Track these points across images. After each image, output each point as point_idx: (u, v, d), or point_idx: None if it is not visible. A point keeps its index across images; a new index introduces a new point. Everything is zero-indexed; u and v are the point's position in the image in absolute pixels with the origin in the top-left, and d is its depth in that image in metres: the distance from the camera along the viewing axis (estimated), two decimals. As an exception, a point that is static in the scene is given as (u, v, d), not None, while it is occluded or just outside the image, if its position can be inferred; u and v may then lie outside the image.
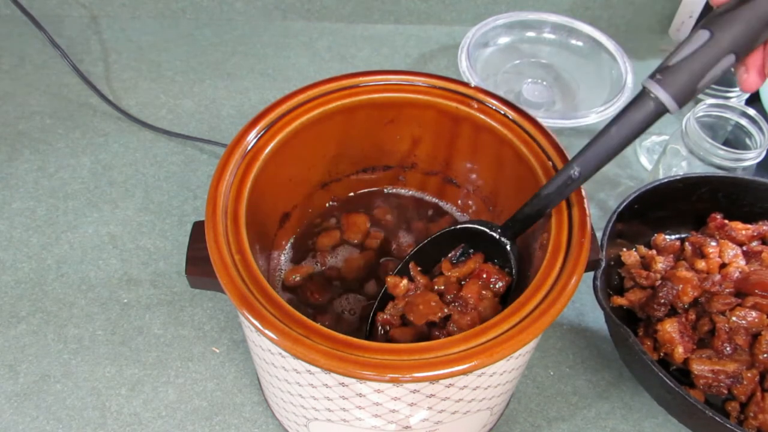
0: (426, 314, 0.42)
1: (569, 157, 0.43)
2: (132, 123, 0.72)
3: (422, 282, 0.45)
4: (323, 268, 0.51)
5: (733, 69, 0.35)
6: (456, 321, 0.42)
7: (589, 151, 0.37)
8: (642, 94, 0.35)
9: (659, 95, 0.34)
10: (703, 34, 0.33)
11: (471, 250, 0.46)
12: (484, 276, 0.43)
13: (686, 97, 0.34)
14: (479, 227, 0.45)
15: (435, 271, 0.46)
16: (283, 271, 0.51)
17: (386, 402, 0.37)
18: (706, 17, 0.33)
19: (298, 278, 0.50)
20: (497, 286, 0.43)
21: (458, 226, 0.46)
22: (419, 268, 0.45)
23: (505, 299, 0.44)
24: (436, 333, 0.43)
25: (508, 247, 0.43)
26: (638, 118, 0.35)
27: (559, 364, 0.57)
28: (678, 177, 0.56)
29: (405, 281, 0.45)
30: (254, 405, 0.53)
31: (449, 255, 0.46)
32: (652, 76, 0.35)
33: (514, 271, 0.44)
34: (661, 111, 0.35)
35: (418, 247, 0.47)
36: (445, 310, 0.42)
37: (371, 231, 0.53)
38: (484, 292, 0.43)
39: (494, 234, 0.44)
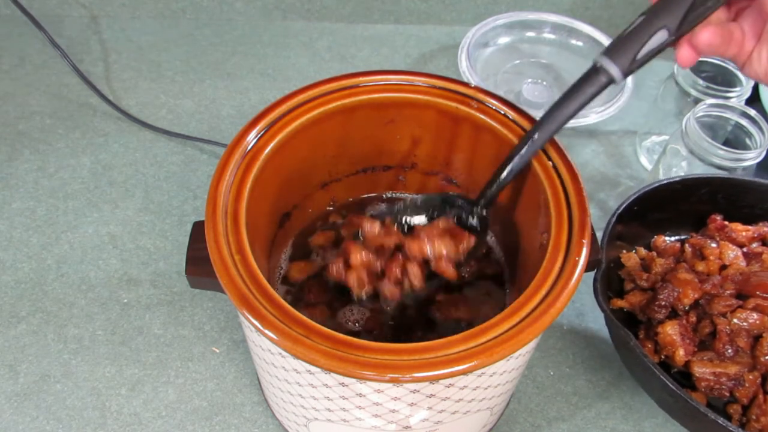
0: (379, 241, 0.44)
1: (569, 157, 0.44)
2: (132, 123, 0.72)
3: (394, 230, 0.46)
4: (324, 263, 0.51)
5: (673, 48, 0.41)
6: (407, 246, 0.44)
7: (548, 119, 0.42)
8: (593, 68, 0.41)
9: (608, 66, 0.40)
10: (640, 18, 0.40)
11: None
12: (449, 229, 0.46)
13: (629, 67, 0.40)
14: (454, 197, 0.47)
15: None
16: (283, 270, 0.51)
17: (386, 402, 0.37)
18: (647, 8, 0.40)
19: (299, 276, 0.50)
20: (460, 240, 0.45)
21: (432, 195, 0.48)
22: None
23: (468, 260, 0.46)
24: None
25: (477, 212, 0.46)
26: (591, 86, 0.41)
27: (559, 364, 0.57)
28: (678, 178, 0.56)
29: (378, 224, 0.45)
30: (254, 405, 0.53)
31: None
32: (601, 52, 0.41)
33: (482, 236, 0.46)
34: (609, 81, 0.41)
35: (394, 208, 0.48)
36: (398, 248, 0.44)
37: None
38: (442, 233, 0.45)
39: (467, 204, 0.47)
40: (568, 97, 0.42)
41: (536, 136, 0.43)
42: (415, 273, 0.44)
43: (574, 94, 0.42)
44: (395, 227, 0.46)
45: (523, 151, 0.43)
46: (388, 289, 0.44)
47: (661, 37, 0.39)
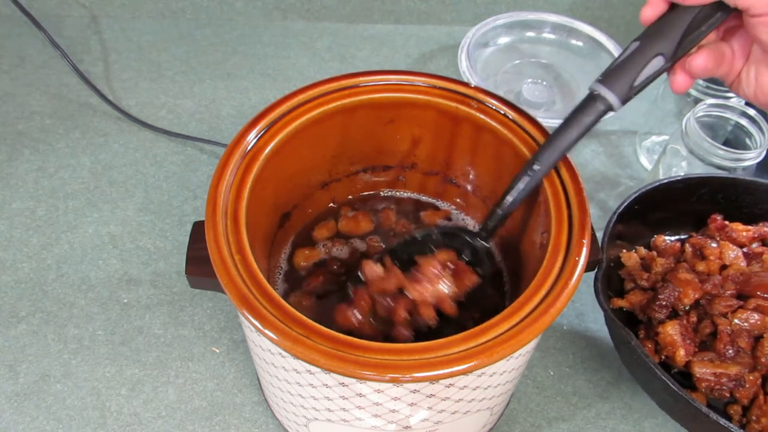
0: (384, 288, 0.43)
1: (569, 157, 0.44)
2: (132, 123, 0.72)
3: (395, 273, 0.45)
4: (327, 257, 0.51)
5: (666, 74, 0.41)
6: (407, 288, 0.43)
7: (547, 149, 0.42)
8: (590, 97, 0.41)
9: (605, 95, 0.40)
10: (635, 44, 0.40)
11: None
12: (451, 266, 0.45)
13: (626, 95, 0.40)
14: (456, 230, 0.47)
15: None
16: (284, 269, 0.51)
17: (386, 402, 0.37)
18: (641, 33, 0.40)
19: (304, 263, 0.51)
20: (463, 278, 0.45)
21: (433, 228, 0.47)
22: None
23: (471, 298, 0.45)
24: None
25: (480, 244, 0.46)
26: (589, 116, 0.41)
27: (559, 364, 0.57)
28: (678, 178, 0.56)
29: (380, 267, 0.45)
30: (254, 405, 0.53)
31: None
32: (597, 80, 0.40)
33: (484, 272, 0.45)
34: (607, 109, 0.40)
35: (394, 246, 0.47)
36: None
37: (369, 238, 0.53)
38: (443, 272, 0.44)
39: (468, 237, 0.46)
40: (567, 126, 0.41)
41: (536, 167, 0.42)
42: (429, 315, 0.43)
43: (573, 123, 0.41)
44: (395, 265, 0.45)
45: (524, 184, 0.42)
46: (399, 332, 0.43)
47: (657, 63, 0.39)
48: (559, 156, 0.42)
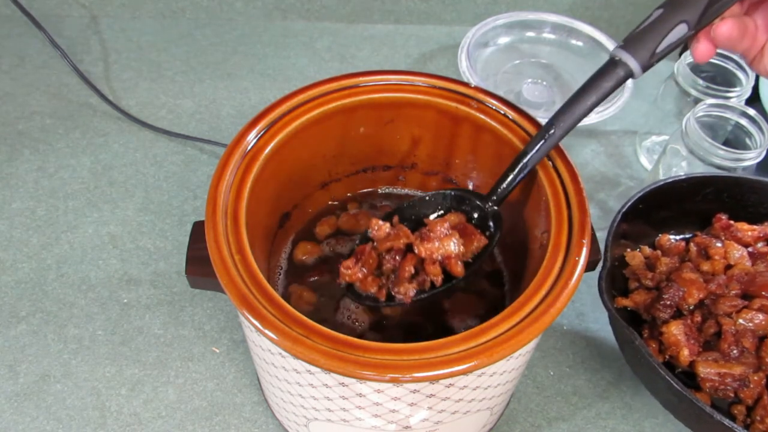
0: (390, 240, 0.43)
1: (569, 157, 0.44)
2: (132, 123, 0.72)
3: (403, 231, 0.44)
4: (330, 252, 0.51)
5: (689, 43, 0.41)
6: (415, 245, 0.43)
7: (565, 113, 0.41)
8: (611, 62, 0.40)
9: (627, 60, 0.39)
10: (658, 11, 0.39)
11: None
12: (459, 227, 0.45)
13: (648, 61, 0.39)
14: (465, 193, 0.46)
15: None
16: (284, 269, 0.51)
17: (386, 402, 0.37)
18: (664, 1, 0.39)
19: (306, 258, 0.51)
20: (471, 240, 0.44)
21: (443, 191, 0.47)
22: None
23: (477, 260, 0.44)
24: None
25: (490, 208, 0.45)
26: (608, 80, 0.40)
27: (559, 364, 0.57)
28: (683, 177, 0.55)
29: (387, 225, 0.44)
30: (254, 405, 0.53)
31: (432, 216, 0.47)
32: (618, 46, 0.40)
33: (493, 235, 0.45)
34: (628, 75, 0.40)
35: (404, 204, 0.47)
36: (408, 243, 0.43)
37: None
38: (451, 231, 0.43)
39: (478, 201, 0.45)
40: (584, 91, 0.41)
41: (553, 131, 0.41)
42: (435, 272, 0.43)
43: (591, 88, 0.40)
44: (404, 225, 0.45)
45: (539, 146, 0.42)
46: (404, 288, 0.43)
47: (680, 30, 0.38)
48: (576, 121, 0.41)
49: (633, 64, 0.39)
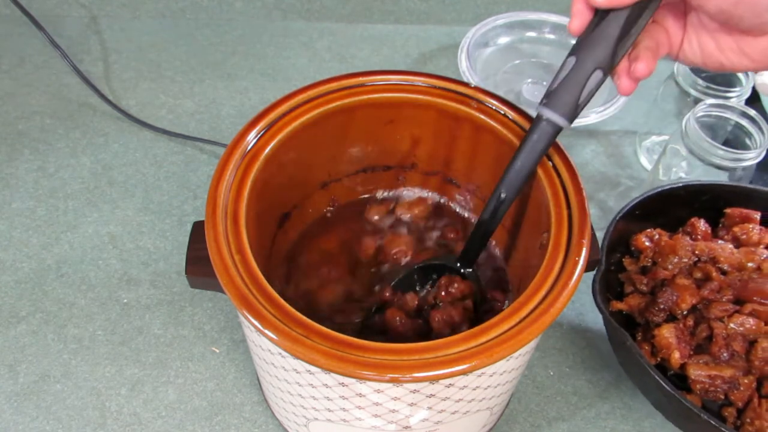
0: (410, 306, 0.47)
1: (569, 157, 0.44)
2: (132, 123, 0.72)
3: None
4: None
5: (611, 78, 0.41)
6: (431, 315, 0.46)
7: (509, 175, 0.42)
8: (537, 120, 0.40)
9: (551, 117, 0.39)
10: (571, 60, 0.39)
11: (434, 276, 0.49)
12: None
13: (573, 113, 0.40)
14: (441, 262, 0.49)
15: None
16: (283, 269, 0.51)
17: (386, 402, 0.37)
18: (573, 46, 0.39)
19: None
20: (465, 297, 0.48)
21: (422, 264, 0.49)
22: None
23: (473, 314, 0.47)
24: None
25: (465, 272, 0.48)
26: (541, 140, 0.40)
27: (559, 364, 0.57)
28: (680, 184, 0.56)
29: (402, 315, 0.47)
30: (254, 405, 0.53)
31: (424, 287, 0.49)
32: (540, 103, 0.40)
33: (476, 291, 0.48)
34: (557, 131, 0.40)
35: (393, 282, 0.49)
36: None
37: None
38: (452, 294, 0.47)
39: (453, 266, 0.48)
40: (521, 152, 0.41)
41: (503, 195, 0.42)
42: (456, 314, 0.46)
43: (527, 150, 0.41)
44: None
45: (492, 210, 0.43)
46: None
47: (597, 76, 0.39)
48: (523, 181, 0.42)
49: (559, 119, 0.39)
